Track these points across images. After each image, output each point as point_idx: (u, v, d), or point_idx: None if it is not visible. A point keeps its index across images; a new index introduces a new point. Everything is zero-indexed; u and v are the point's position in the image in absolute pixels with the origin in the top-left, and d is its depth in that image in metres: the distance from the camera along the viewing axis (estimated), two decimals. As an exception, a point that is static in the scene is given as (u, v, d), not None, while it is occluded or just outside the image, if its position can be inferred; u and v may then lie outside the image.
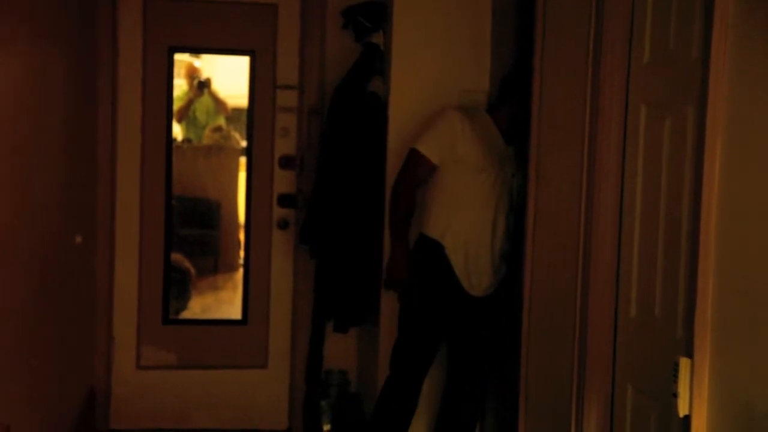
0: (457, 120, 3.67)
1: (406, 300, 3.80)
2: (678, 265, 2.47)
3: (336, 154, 4.21)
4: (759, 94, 2.08)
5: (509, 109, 3.79)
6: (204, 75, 5.60)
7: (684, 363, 2.27)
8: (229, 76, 5.57)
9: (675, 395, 2.29)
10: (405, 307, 3.82)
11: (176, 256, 5.05)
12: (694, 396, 2.24)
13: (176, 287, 5.05)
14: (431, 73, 3.97)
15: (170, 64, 4.76)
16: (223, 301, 5.41)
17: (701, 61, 2.31)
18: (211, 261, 5.55)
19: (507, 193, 3.76)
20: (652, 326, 2.65)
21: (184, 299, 5.22)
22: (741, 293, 2.13)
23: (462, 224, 3.70)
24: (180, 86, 5.47)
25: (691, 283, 2.30)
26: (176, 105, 5.09)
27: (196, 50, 5.16)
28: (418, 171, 3.70)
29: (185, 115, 5.66)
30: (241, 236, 5.14)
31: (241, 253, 5.09)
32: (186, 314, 5.20)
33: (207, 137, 5.79)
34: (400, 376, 3.82)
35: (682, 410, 2.28)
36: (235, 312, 4.99)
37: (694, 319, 2.25)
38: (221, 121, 5.78)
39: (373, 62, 4.32)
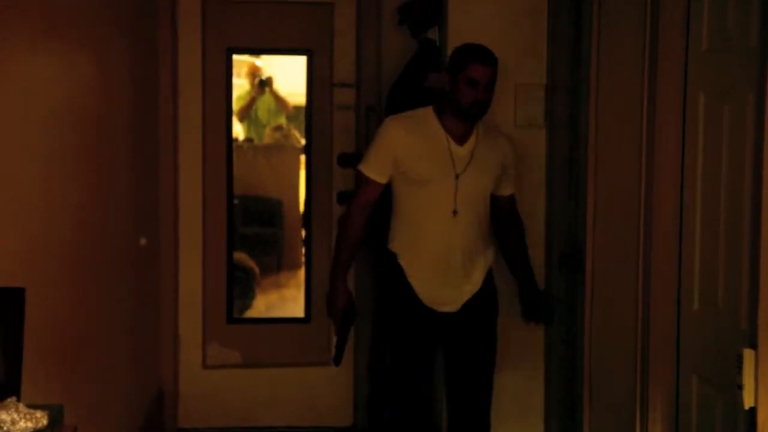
0: (394, 132, 3.47)
1: (380, 321, 3.67)
2: (740, 255, 2.43)
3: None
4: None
5: (451, 102, 3.45)
6: (265, 74, 5.65)
7: (748, 354, 2.24)
8: (289, 75, 5.61)
9: (740, 387, 2.26)
10: (382, 330, 3.71)
11: (239, 255, 5.10)
12: (759, 387, 2.21)
13: (240, 286, 5.10)
14: (488, 67, 3.94)
15: (229, 65, 4.80)
16: (287, 299, 5.45)
17: (760, 48, 2.27)
18: (275, 259, 5.59)
19: (467, 197, 3.46)
20: (715, 318, 2.62)
21: (248, 298, 5.27)
22: (805, 283, 2.10)
23: (416, 237, 3.50)
24: (242, 86, 5.53)
25: (754, 274, 2.26)
26: (238, 104, 5.15)
27: (254, 51, 5.21)
28: (366, 193, 3.52)
29: (247, 114, 5.71)
30: (303, 234, 5.17)
31: (303, 251, 5.12)
32: (250, 313, 5.25)
33: (268, 136, 5.84)
34: (404, 403, 3.60)
35: (748, 402, 2.25)
36: (298, 310, 5.03)
37: (757, 310, 2.21)
38: (282, 120, 5.83)
39: (429, 58, 4.31)
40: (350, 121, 4.75)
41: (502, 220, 3.72)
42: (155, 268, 4.60)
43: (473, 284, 3.55)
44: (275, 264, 5.56)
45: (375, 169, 3.49)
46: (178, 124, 4.69)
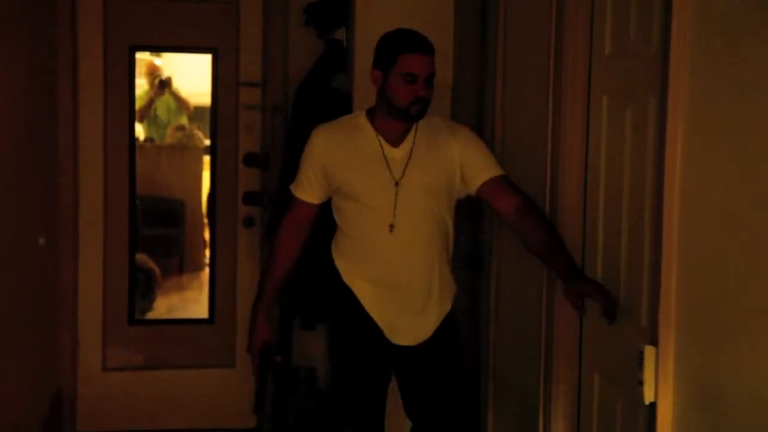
0: (318, 143, 3.04)
1: (332, 349, 3.24)
2: (642, 254, 2.49)
3: (300, 150, 4.20)
4: (718, 83, 2.11)
5: (383, 103, 2.99)
6: (165, 73, 5.58)
7: (649, 351, 2.29)
8: (190, 75, 5.55)
9: (640, 383, 2.32)
10: (333, 359, 3.27)
11: (141, 257, 5.02)
12: (659, 383, 2.27)
13: (141, 288, 5.02)
14: (394, 68, 3.96)
15: (131, 64, 4.72)
16: (189, 301, 5.39)
17: (661, 53, 2.33)
18: (177, 260, 5.53)
19: (410, 206, 2.96)
20: (617, 315, 2.67)
21: (149, 299, 5.19)
22: (704, 281, 2.16)
23: (358, 257, 3.06)
24: (141, 85, 5.44)
25: (654, 272, 2.32)
26: (137, 104, 5.06)
27: (158, 49, 5.14)
28: (293, 213, 3.14)
29: (146, 114, 5.63)
30: (207, 235, 5.12)
31: (207, 252, 5.07)
32: (152, 314, 5.17)
33: (169, 136, 5.77)
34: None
35: (648, 397, 2.31)
36: (201, 311, 4.97)
37: (658, 307, 2.27)
38: (183, 120, 5.76)
39: (336, 58, 4.32)
40: (256, 120, 4.72)
41: (506, 209, 3.00)
42: (54, 269, 4.49)
43: (436, 314, 3.06)
44: (177, 265, 5.50)
45: (301, 188, 3.09)
46: (79, 123, 4.59)
